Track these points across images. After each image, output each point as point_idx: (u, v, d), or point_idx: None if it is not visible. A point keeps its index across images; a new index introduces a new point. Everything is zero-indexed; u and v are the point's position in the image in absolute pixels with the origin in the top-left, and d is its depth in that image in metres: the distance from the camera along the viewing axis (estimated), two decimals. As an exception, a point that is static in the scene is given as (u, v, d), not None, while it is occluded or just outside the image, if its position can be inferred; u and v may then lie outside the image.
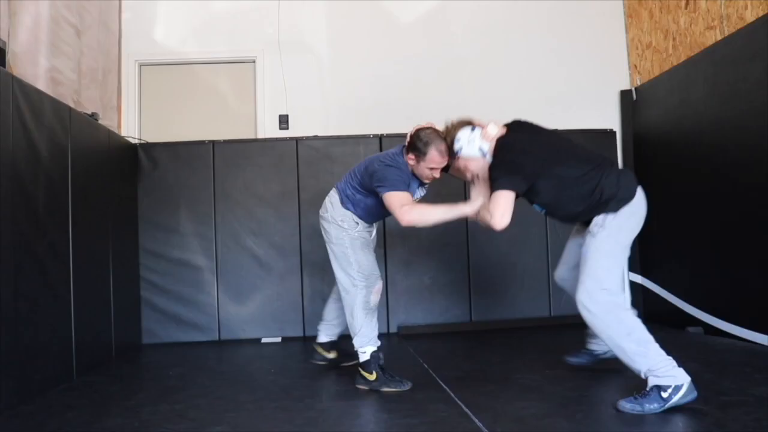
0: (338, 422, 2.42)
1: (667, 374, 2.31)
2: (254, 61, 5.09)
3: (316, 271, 4.57)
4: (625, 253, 2.56)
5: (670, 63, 4.54)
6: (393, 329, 4.57)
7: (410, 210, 2.70)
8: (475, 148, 2.66)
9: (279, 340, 4.49)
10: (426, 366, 3.30)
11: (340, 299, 3.33)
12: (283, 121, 5.02)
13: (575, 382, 2.82)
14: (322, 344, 3.39)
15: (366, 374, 2.87)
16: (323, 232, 3.09)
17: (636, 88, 4.96)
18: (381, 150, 4.66)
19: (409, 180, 2.83)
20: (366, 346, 2.90)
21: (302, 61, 5.08)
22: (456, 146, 2.69)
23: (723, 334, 3.75)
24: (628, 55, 5.16)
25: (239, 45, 5.08)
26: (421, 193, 2.96)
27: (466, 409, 2.41)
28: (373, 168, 2.86)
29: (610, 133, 4.94)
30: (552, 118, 5.00)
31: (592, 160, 2.60)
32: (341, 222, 2.99)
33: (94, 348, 3.56)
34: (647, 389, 2.34)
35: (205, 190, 4.61)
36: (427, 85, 5.06)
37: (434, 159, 2.74)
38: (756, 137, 3.46)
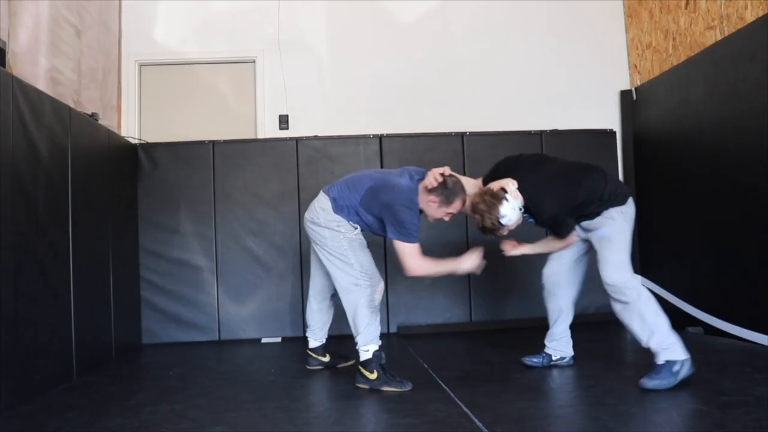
0: (338, 422, 2.41)
1: (676, 349, 2.59)
2: (254, 61, 5.09)
3: (316, 271, 4.58)
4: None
5: (670, 63, 4.54)
6: (393, 329, 4.57)
7: (419, 266, 2.86)
8: (518, 213, 2.78)
9: (279, 340, 4.49)
10: (426, 366, 3.30)
11: (319, 302, 3.36)
12: (283, 121, 5.02)
13: (575, 382, 2.83)
14: (314, 350, 3.38)
15: (367, 373, 2.85)
16: (315, 236, 3.04)
17: (636, 88, 4.96)
18: (381, 149, 4.68)
19: (419, 222, 2.91)
20: (369, 345, 2.89)
21: (302, 61, 5.08)
22: (505, 221, 2.75)
23: (723, 334, 3.75)
24: (628, 55, 5.16)
25: (239, 45, 5.08)
26: None
27: (466, 409, 2.41)
28: (385, 201, 2.86)
29: (610, 133, 4.94)
30: (552, 118, 5.06)
31: (592, 168, 2.92)
32: (337, 227, 2.96)
33: (94, 348, 3.56)
34: (659, 364, 2.59)
35: (205, 190, 4.61)
36: (427, 85, 5.07)
37: (457, 208, 2.90)
38: (756, 137, 3.46)
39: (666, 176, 4.46)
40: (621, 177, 4.92)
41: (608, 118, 5.06)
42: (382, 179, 2.97)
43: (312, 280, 3.37)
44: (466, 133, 4.76)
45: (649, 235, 4.69)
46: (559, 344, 3.18)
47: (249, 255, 4.58)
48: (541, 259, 4.88)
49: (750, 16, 3.64)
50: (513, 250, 2.99)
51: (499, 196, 2.73)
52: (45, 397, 2.81)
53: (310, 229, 3.06)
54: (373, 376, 2.83)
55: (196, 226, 4.58)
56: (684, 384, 2.59)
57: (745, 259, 3.60)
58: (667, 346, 2.61)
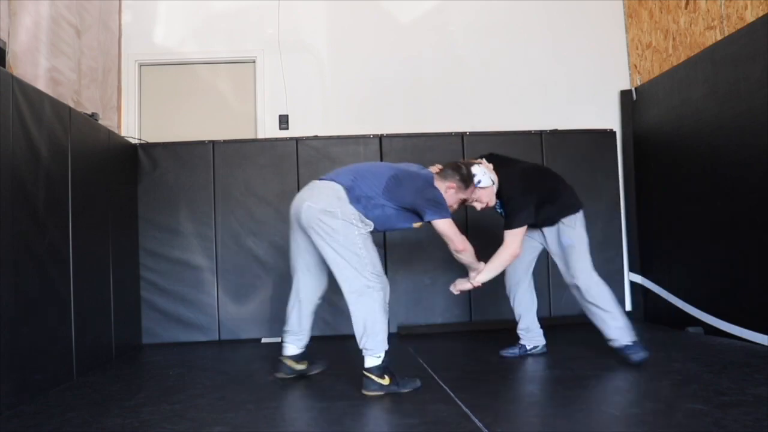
0: (338, 422, 2.41)
1: (627, 332, 3.06)
2: (254, 61, 5.09)
3: (316, 271, 4.57)
4: None
5: (670, 63, 4.54)
6: (393, 329, 4.56)
7: (464, 242, 2.97)
8: (488, 179, 3.07)
9: (279, 340, 4.47)
10: (426, 366, 3.30)
11: (311, 304, 3.15)
12: (283, 121, 5.02)
13: (575, 382, 2.82)
14: (291, 357, 3.12)
15: (378, 379, 2.70)
16: (323, 228, 2.74)
17: (636, 88, 4.96)
18: (381, 149, 4.68)
19: None
20: (381, 351, 2.73)
21: (302, 61, 5.08)
22: (475, 180, 3.03)
23: (723, 334, 3.75)
24: (628, 55, 5.16)
25: (239, 45, 5.08)
26: None
27: (466, 409, 2.41)
28: (415, 186, 2.84)
29: (610, 133, 4.94)
30: (552, 118, 5.06)
31: (556, 174, 3.31)
32: (353, 219, 2.74)
33: (94, 348, 3.55)
34: (626, 345, 3.03)
35: (205, 190, 4.61)
36: (427, 85, 5.07)
37: (468, 194, 3.03)
38: (756, 137, 3.46)
39: (666, 176, 4.46)
40: (621, 177, 4.92)
41: (608, 118, 5.06)
42: (400, 169, 2.97)
43: (302, 280, 3.13)
44: (465, 133, 4.77)
45: (648, 235, 4.69)
46: (532, 335, 3.51)
47: (249, 255, 4.58)
48: (539, 260, 4.87)
49: (750, 16, 3.64)
50: (463, 284, 3.17)
51: (472, 162, 3.12)
52: (45, 397, 2.81)
53: (319, 219, 2.74)
54: (386, 381, 2.70)
55: (196, 226, 4.58)
56: (684, 384, 2.59)
57: (745, 259, 3.60)
58: (622, 326, 3.07)
